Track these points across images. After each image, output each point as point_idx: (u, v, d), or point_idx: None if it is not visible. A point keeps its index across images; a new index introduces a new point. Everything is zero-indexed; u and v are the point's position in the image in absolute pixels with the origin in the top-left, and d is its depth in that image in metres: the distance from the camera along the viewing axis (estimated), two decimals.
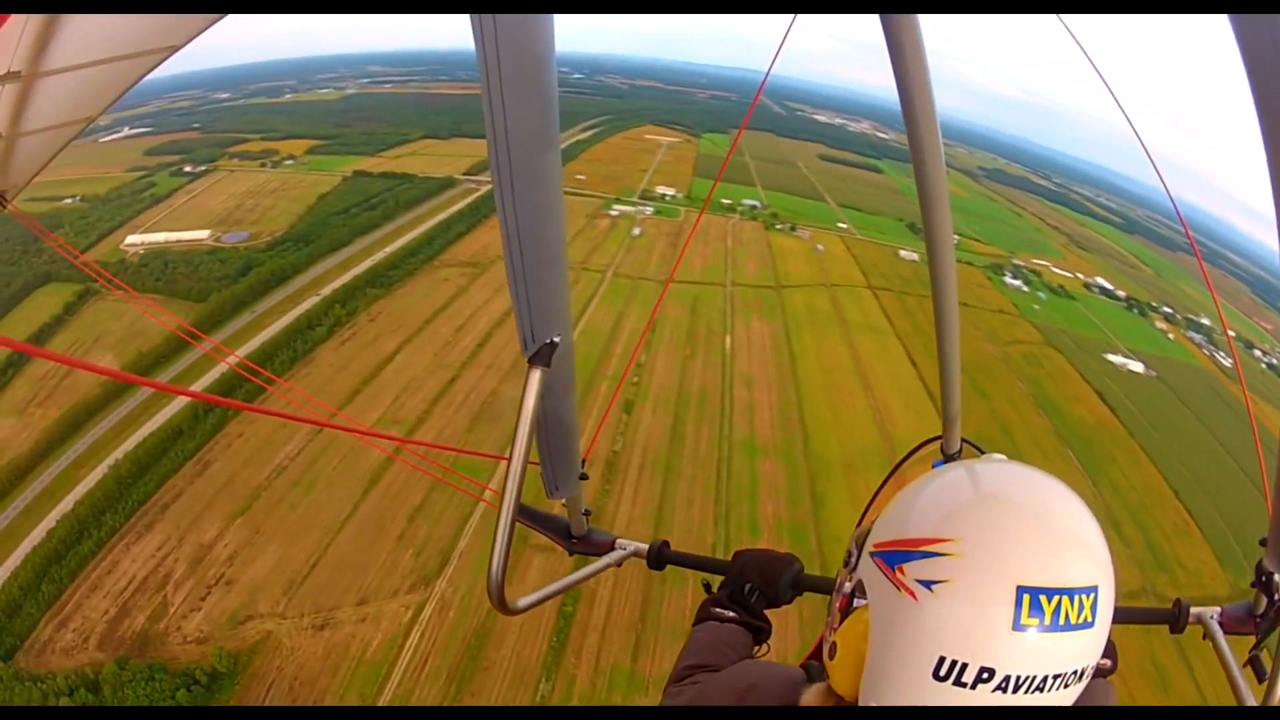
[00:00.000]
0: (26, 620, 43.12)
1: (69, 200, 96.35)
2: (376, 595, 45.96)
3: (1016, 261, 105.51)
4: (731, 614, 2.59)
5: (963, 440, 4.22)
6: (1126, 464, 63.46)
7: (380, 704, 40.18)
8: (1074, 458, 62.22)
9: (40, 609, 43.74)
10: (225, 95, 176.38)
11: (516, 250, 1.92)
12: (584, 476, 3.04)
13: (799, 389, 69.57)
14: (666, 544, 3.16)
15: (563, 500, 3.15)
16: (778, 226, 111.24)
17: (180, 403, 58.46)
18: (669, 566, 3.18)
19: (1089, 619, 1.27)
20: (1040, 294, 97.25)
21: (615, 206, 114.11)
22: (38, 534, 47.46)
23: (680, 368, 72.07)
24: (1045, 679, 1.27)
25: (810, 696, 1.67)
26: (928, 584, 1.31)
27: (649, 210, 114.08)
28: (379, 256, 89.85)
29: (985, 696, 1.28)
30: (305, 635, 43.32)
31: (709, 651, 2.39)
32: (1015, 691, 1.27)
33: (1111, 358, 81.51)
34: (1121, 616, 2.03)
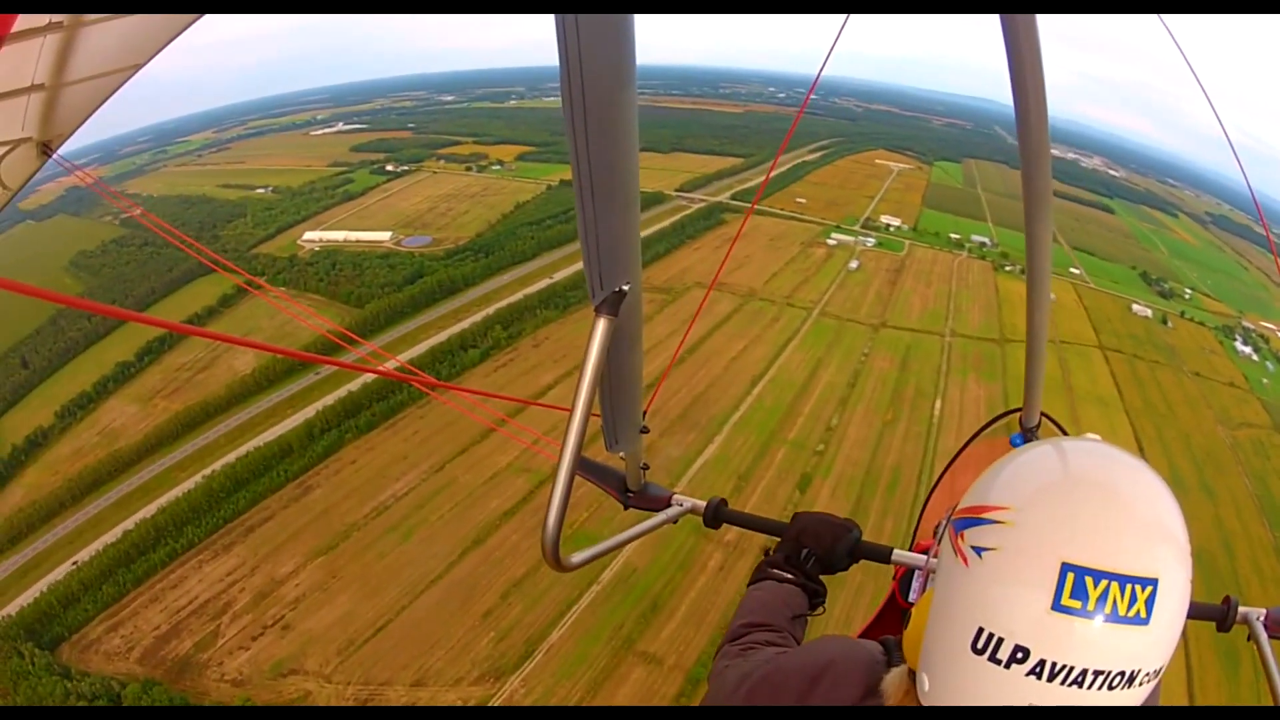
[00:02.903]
0: (80, 614, 45.31)
1: (261, 190, 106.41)
2: (437, 679, 43.16)
3: (1246, 324, 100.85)
4: (789, 576, 2.72)
5: (1042, 414, 4.17)
6: None
7: None
8: None
9: (97, 607, 45.81)
10: (450, 98, 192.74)
11: (589, 194, 1.95)
12: (645, 430, 3.05)
13: None
14: (724, 502, 3.26)
15: (621, 454, 3.18)
16: (1007, 268, 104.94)
17: (296, 418, 59.91)
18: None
19: (1141, 614, 1.23)
20: (1269, 364, 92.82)
21: (834, 235, 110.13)
22: (115, 533, 49.81)
23: (877, 436, 65.06)
24: (1085, 673, 1.25)
25: (892, 680, 1.72)
26: (979, 550, 1.36)
27: (870, 242, 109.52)
28: (561, 275, 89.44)
29: (1019, 678, 1.29)
30: None
31: (767, 610, 2.55)
32: (1051, 680, 1.26)
33: None
34: None
